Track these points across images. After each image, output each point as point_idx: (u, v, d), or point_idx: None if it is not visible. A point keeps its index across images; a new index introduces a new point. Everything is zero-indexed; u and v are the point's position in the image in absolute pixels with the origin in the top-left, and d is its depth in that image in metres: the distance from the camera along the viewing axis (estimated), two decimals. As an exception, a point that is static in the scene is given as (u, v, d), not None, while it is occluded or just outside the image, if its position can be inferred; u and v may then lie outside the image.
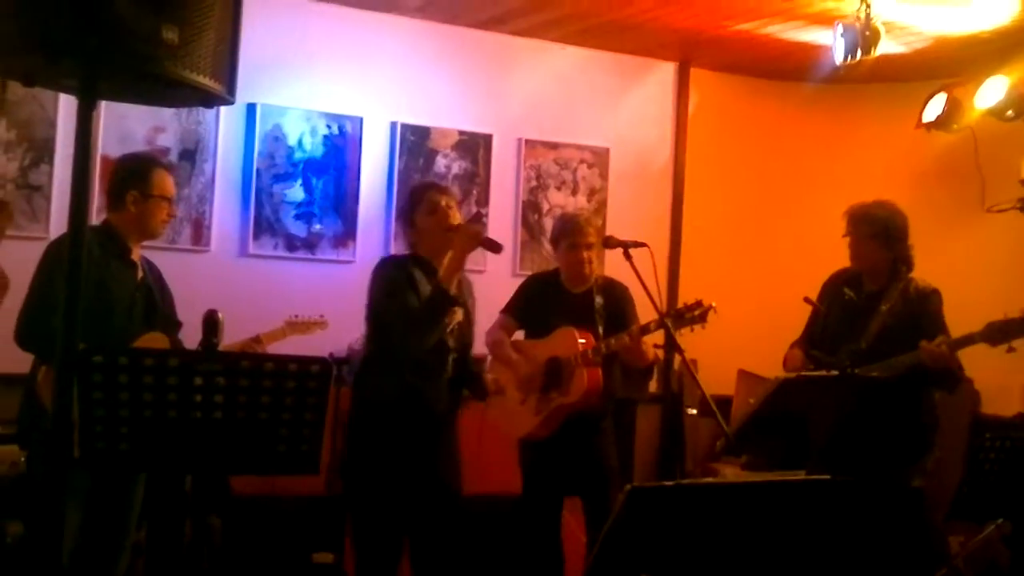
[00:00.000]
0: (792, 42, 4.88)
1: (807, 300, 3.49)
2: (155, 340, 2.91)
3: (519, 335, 3.70)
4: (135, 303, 2.93)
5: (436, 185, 3.37)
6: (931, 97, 4.74)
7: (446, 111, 4.94)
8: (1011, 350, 3.04)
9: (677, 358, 4.91)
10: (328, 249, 4.69)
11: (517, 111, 5.11)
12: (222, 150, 4.48)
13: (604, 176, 5.30)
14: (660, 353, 4.37)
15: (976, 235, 5.11)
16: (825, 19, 4.36)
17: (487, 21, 4.88)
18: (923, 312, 3.30)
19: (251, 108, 4.52)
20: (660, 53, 5.31)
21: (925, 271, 3.44)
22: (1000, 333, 3.07)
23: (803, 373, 3.17)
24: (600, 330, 3.48)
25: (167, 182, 3.01)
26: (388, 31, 4.83)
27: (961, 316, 3.30)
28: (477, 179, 5.01)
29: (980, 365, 3.39)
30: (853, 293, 3.41)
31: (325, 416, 2.02)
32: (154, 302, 2.99)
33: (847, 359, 3.21)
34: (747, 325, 5.09)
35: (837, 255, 3.52)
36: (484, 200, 5.02)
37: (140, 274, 2.99)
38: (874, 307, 3.35)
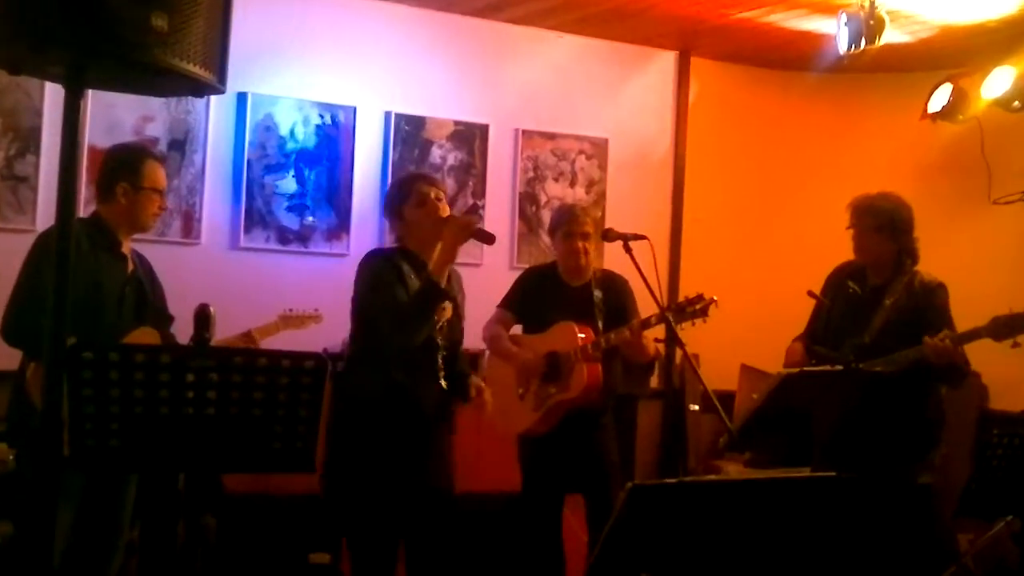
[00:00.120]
0: (795, 31, 4.88)
1: (810, 293, 3.49)
2: (146, 335, 2.90)
3: (517, 329, 3.69)
4: (125, 297, 2.92)
5: (424, 176, 3.35)
6: (936, 87, 4.73)
7: (442, 101, 4.93)
8: (1016, 345, 3.04)
9: (679, 353, 4.92)
10: (321, 242, 4.68)
11: (514, 101, 5.10)
12: (212, 140, 4.46)
13: (603, 167, 5.29)
14: (661, 348, 4.37)
15: (982, 227, 5.12)
16: (829, 7, 4.35)
17: (483, 9, 4.87)
18: (928, 306, 3.30)
19: (242, 97, 4.51)
20: (660, 42, 5.30)
21: (930, 264, 3.44)
22: (1006, 328, 3.07)
23: (806, 368, 3.16)
24: (600, 324, 3.48)
25: (159, 174, 3.00)
26: (382, 18, 4.81)
27: (967, 310, 3.30)
28: (473, 170, 5.00)
29: (988, 359, 3.39)
30: (857, 286, 3.41)
31: (320, 413, 2.02)
32: (145, 296, 2.98)
33: (851, 354, 3.21)
34: (750, 319, 5.09)
35: (841, 248, 3.51)
36: (480, 192, 5.01)
37: (130, 267, 2.98)
38: (878, 301, 3.35)
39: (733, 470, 4.74)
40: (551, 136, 5.19)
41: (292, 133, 4.64)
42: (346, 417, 2.97)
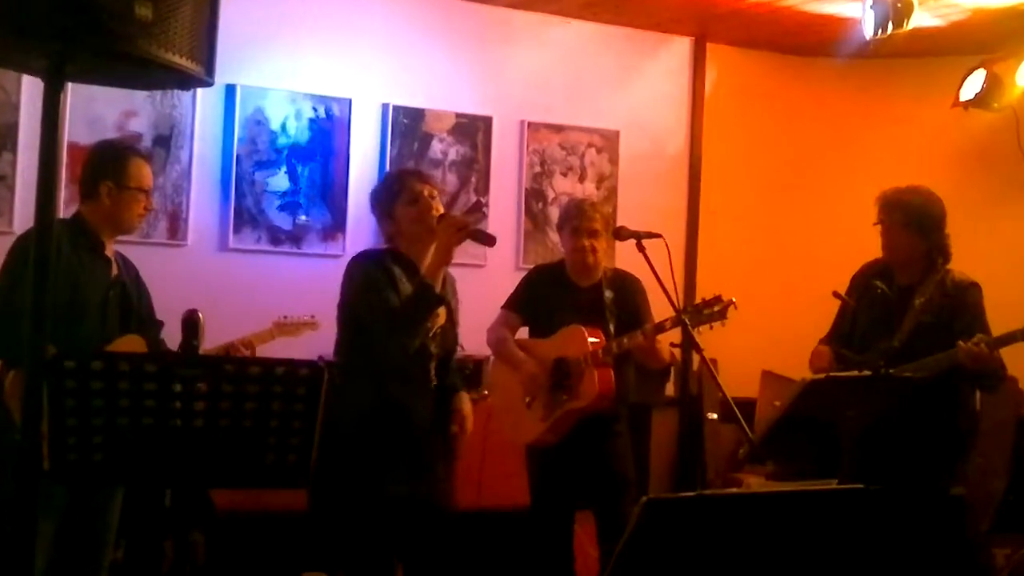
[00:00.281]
0: (817, 14, 4.87)
1: (836, 294, 3.48)
2: (132, 343, 2.91)
3: (523, 333, 3.70)
4: (109, 303, 2.93)
5: (416, 172, 3.35)
6: (969, 73, 4.73)
7: (442, 92, 4.94)
8: (1055, 349, 3.04)
9: (696, 358, 4.91)
10: (315, 242, 4.69)
11: (519, 91, 5.11)
12: (199, 135, 4.48)
13: (614, 161, 5.29)
14: (677, 353, 4.37)
15: (1019, 223, 5.11)
16: (853, -11, 4.36)
17: (486, -7, 4.89)
18: (961, 307, 3.30)
19: (230, 90, 4.52)
20: (674, 27, 5.30)
21: (963, 263, 3.43)
22: (1045, 330, 3.06)
23: (832, 374, 3.16)
24: (611, 328, 3.48)
25: (145, 173, 3.01)
26: (379, 4, 4.83)
27: (1003, 311, 3.29)
28: (476, 165, 5.01)
29: (1025, 363, 3.39)
30: (885, 287, 3.41)
31: (316, 424, 2.02)
32: (130, 301, 2.99)
33: (879, 358, 3.21)
34: (771, 322, 5.09)
35: (868, 245, 3.51)
36: (484, 188, 5.02)
37: (114, 271, 2.99)
38: (908, 302, 3.35)
39: (754, 483, 4.73)
40: (559, 128, 5.19)
41: (284, 127, 4.65)
42: (335, 431, 2.97)
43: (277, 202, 4.64)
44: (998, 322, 3.26)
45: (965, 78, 4.74)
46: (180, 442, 1.94)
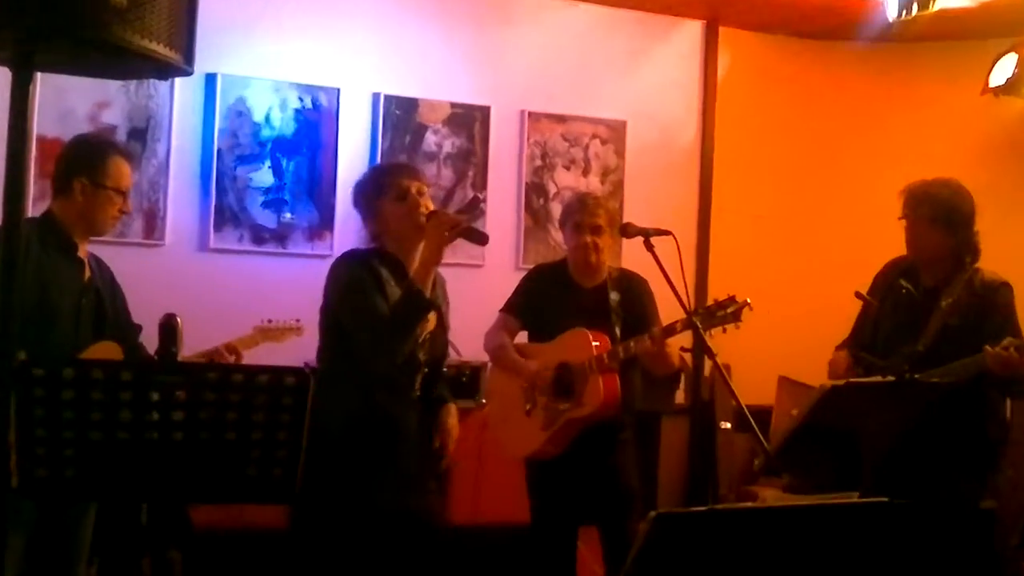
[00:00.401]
0: (837, -5, 4.88)
1: (858, 295, 3.49)
2: (106, 350, 2.91)
3: (522, 337, 3.70)
4: (82, 307, 2.94)
5: (404, 166, 3.35)
6: (999, 58, 4.73)
7: (437, 80, 4.94)
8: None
9: (707, 363, 4.92)
10: (302, 242, 4.70)
11: (519, 79, 5.11)
12: (177, 128, 4.48)
13: (620, 154, 5.30)
14: (688, 358, 4.38)
15: (1053, 218, 5.11)
16: (875, -32, 4.36)
17: (483, -25, 4.89)
18: (991, 308, 3.30)
19: (211, 79, 4.53)
20: (684, 10, 5.31)
21: (993, 261, 3.44)
22: (1081, 333, 3.07)
23: (854, 380, 3.17)
24: (616, 331, 3.48)
25: (124, 173, 3.01)
26: (368, -12, 4.84)
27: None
28: (473, 158, 5.02)
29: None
30: (910, 286, 3.41)
31: (302, 436, 2.02)
32: (104, 306, 2.99)
33: (903, 363, 3.21)
34: (788, 324, 5.09)
35: (891, 243, 3.52)
36: (481, 182, 5.03)
37: (87, 274, 2.99)
38: (934, 303, 3.35)
39: (770, 496, 4.74)
40: (561, 119, 5.20)
41: (267, 119, 4.66)
42: (315, 441, 2.96)
43: (260, 199, 4.64)
44: (1030, 324, 3.26)
45: (995, 63, 4.75)
46: (157, 455, 1.94)
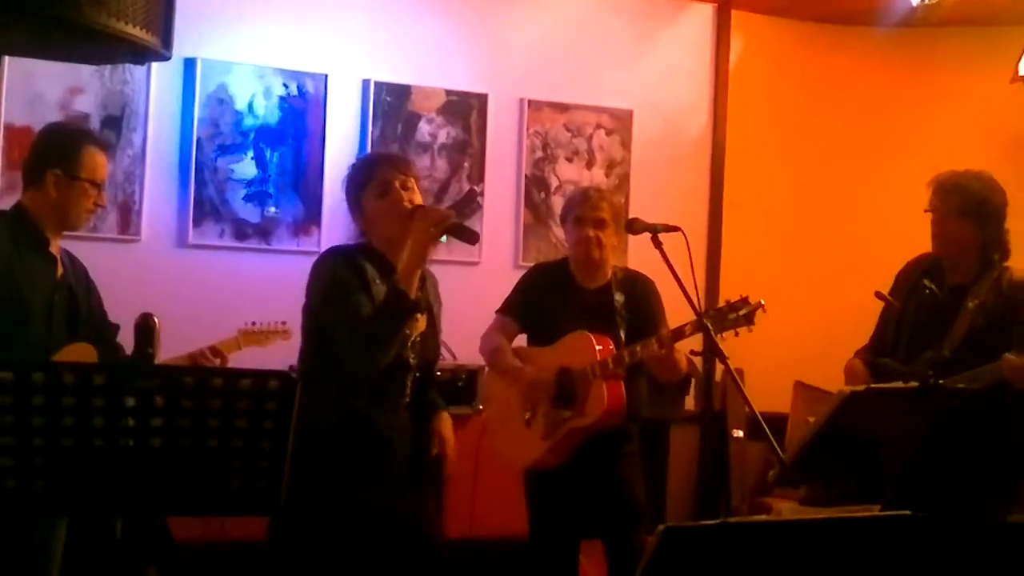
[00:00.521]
0: (857, -23, 4.89)
1: (879, 295, 3.49)
2: (81, 352, 2.91)
3: (521, 341, 3.70)
4: (55, 307, 2.93)
5: (388, 157, 3.32)
6: (1029, 44, 4.74)
7: (430, 66, 4.94)
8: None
9: (719, 368, 4.92)
10: (286, 237, 4.70)
11: (518, 65, 5.12)
12: (154, 116, 4.48)
13: (626, 145, 5.30)
14: (698, 362, 4.38)
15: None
16: (898, -52, 4.37)
17: (480, -46, 4.89)
18: (1019, 310, 3.30)
19: (190, 64, 4.53)
20: (694, -8, 5.31)
21: (1023, 260, 3.44)
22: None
23: (874, 385, 3.17)
24: (621, 334, 3.48)
25: (99, 164, 3.01)
26: (358, -32, 4.84)
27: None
28: (469, 149, 5.02)
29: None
30: (934, 286, 3.41)
31: (287, 444, 2.02)
32: (77, 305, 2.99)
33: (927, 368, 3.21)
34: (805, 327, 5.09)
35: (914, 239, 3.52)
36: (478, 175, 5.03)
37: (60, 271, 2.99)
38: (960, 304, 3.35)
39: (786, 509, 4.73)
40: (564, 107, 5.20)
41: (250, 107, 4.66)
42: (296, 449, 2.94)
43: (243, 192, 4.64)
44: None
45: (1025, 50, 4.75)
46: (133, 465, 1.94)
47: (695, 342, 3.48)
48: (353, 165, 3.20)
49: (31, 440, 1.89)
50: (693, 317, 3.21)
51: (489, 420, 3.80)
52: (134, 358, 2.15)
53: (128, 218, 4.44)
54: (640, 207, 4.91)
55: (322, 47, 4.77)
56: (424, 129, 4.93)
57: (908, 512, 2.09)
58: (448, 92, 4.97)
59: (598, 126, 5.26)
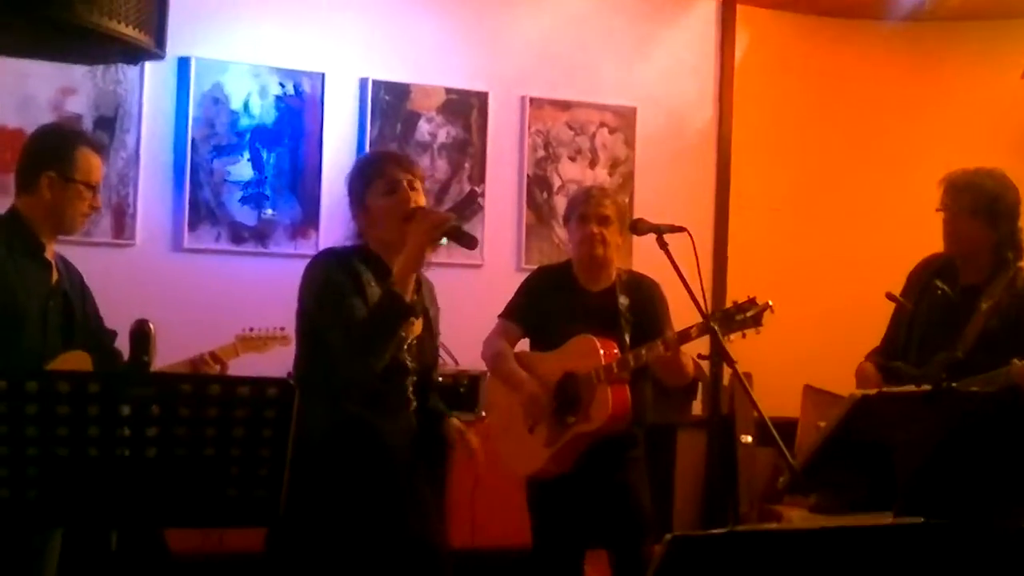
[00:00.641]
0: (865, -29, 4.89)
1: (890, 296, 3.48)
2: (76, 360, 2.91)
3: (524, 345, 3.70)
4: (49, 313, 2.93)
5: (396, 155, 3.31)
6: (1042, 38, 4.73)
7: (430, 64, 4.95)
8: None
9: (727, 372, 4.91)
10: (284, 240, 4.70)
11: (519, 62, 5.12)
12: (148, 117, 4.49)
13: (630, 143, 5.30)
14: (704, 366, 4.37)
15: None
16: (907, -59, 4.37)
17: (480, -50, 4.90)
18: (1033, 312, 3.30)
19: (184, 63, 4.53)
20: (698, -13, 5.31)
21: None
22: None
23: (886, 389, 3.16)
24: (626, 338, 3.48)
25: (94, 166, 3.00)
26: (355, -36, 4.84)
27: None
28: (470, 148, 5.02)
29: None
30: (947, 287, 3.41)
31: (287, 452, 2.02)
32: (72, 312, 2.99)
33: (940, 371, 3.21)
34: (814, 329, 5.09)
35: (926, 238, 3.52)
36: (479, 175, 5.03)
37: (55, 277, 2.99)
38: (973, 304, 3.35)
39: (796, 516, 4.73)
40: (566, 105, 5.20)
41: (246, 107, 4.66)
42: (293, 458, 2.93)
43: (239, 194, 4.64)
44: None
45: (1037, 44, 4.75)
46: (129, 475, 1.93)
47: (702, 345, 3.47)
48: (359, 161, 3.19)
49: (25, 450, 1.89)
50: (699, 319, 3.21)
51: (491, 427, 3.79)
52: (130, 365, 2.14)
53: (122, 222, 4.44)
54: (644, 205, 4.92)
55: (319, 45, 4.77)
56: (424, 128, 4.93)
57: (921, 519, 2.09)
58: (448, 90, 4.97)
59: (601, 124, 5.26)
